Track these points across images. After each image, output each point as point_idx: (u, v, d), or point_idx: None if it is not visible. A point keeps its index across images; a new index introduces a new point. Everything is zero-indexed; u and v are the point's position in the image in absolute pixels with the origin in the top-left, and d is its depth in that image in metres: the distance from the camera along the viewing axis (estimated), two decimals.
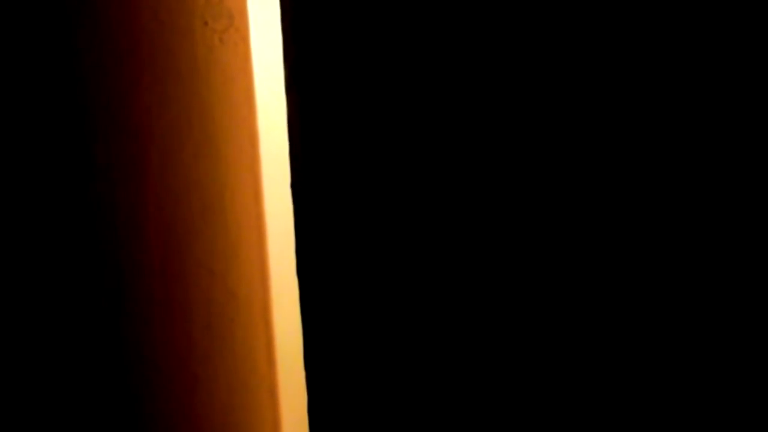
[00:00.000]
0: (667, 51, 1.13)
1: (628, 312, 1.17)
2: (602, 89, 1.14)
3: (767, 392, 1.14)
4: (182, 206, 1.30)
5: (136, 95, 1.29)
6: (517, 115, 1.16)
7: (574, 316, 1.17)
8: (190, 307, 1.31)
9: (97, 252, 1.28)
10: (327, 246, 1.20)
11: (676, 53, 1.13)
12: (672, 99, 1.14)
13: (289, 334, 1.34)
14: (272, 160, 1.34)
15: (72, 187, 1.27)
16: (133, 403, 1.29)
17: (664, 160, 1.15)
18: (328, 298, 1.20)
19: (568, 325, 1.17)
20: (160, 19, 1.30)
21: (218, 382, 1.32)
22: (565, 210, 1.16)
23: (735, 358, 1.16)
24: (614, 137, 1.15)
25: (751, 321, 1.15)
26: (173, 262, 1.30)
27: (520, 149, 1.16)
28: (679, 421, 1.17)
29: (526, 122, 1.16)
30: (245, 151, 1.34)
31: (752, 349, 1.15)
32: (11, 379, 1.27)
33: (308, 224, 1.20)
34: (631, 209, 1.15)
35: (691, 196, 1.15)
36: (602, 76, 1.14)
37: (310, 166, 1.20)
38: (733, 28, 1.11)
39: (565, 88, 1.15)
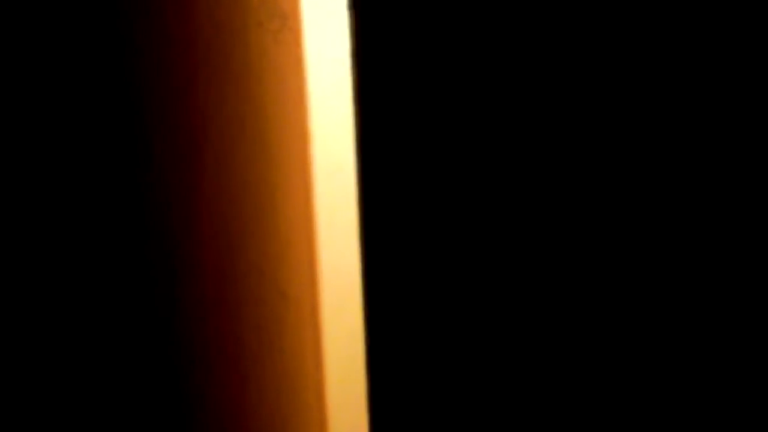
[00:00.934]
0: (679, 55, 1.06)
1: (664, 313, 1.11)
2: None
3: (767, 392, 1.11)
4: (235, 207, 1.31)
5: (191, 96, 1.31)
6: (592, 126, 1.10)
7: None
8: (241, 307, 1.32)
9: (151, 252, 1.32)
10: (398, 250, 1.17)
11: (683, 55, 1.06)
12: (683, 103, 1.08)
13: (338, 336, 1.33)
14: (324, 162, 1.32)
15: (128, 187, 1.32)
16: (184, 401, 1.34)
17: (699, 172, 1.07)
18: (397, 301, 1.18)
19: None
20: (216, 20, 1.30)
21: (267, 382, 1.33)
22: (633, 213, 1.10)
23: (735, 358, 1.12)
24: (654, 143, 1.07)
25: (750, 321, 1.11)
26: (226, 263, 1.32)
27: (592, 159, 1.10)
28: (679, 421, 1.14)
29: (597, 132, 1.10)
30: (297, 153, 1.32)
31: (752, 349, 1.11)
32: (65, 374, 1.34)
33: (377, 227, 1.18)
34: (662, 214, 1.08)
35: (692, 197, 1.10)
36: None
37: (381, 169, 1.17)
38: (733, 29, 1.04)
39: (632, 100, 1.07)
